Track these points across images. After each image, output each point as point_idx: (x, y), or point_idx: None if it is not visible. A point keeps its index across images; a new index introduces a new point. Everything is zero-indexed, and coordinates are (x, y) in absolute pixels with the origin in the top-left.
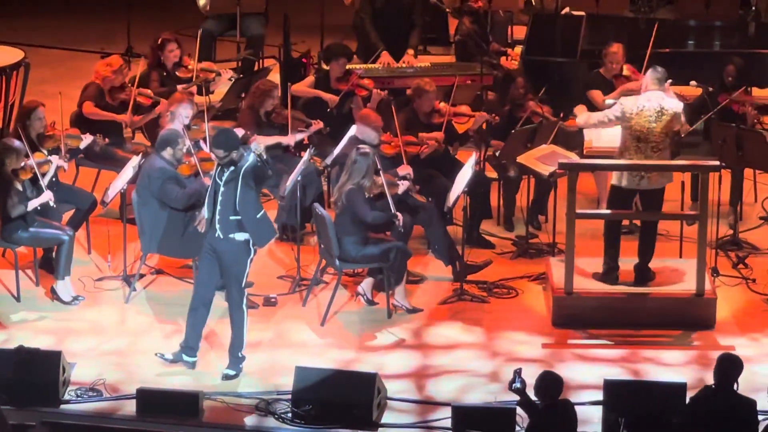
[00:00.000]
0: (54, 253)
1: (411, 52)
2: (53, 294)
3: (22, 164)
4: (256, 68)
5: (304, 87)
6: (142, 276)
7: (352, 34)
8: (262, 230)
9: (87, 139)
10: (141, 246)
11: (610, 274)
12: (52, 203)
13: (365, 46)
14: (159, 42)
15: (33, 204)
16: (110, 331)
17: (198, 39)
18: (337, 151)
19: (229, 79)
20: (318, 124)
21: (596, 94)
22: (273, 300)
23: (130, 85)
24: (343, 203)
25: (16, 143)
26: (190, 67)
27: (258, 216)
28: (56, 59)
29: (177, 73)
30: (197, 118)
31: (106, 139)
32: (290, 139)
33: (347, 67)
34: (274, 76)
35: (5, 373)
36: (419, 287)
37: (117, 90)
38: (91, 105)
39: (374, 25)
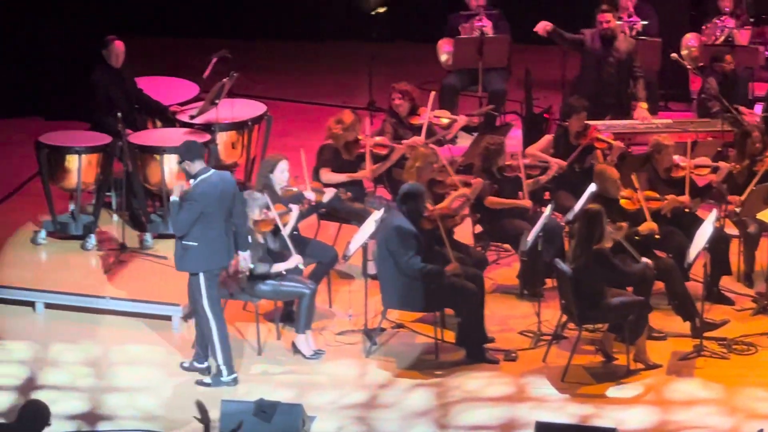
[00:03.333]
0: (295, 307)
1: (644, 105)
2: (294, 347)
3: (263, 216)
4: (497, 123)
5: (536, 150)
6: (382, 330)
7: None
8: (177, 253)
9: (329, 194)
10: (382, 300)
11: None
12: (301, 266)
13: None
14: (391, 93)
15: (279, 267)
16: (350, 385)
17: (439, 93)
18: (578, 207)
19: (467, 132)
20: (557, 164)
21: None
22: (514, 355)
23: (364, 135)
24: (584, 264)
25: (258, 195)
26: (422, 113)
27: (183, 240)
28: (298, 112)
29: (410, 120)
30: (442, 172)
31: (348, 194)
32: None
33: (586, 121)
34: (516, 132)
35: (246, 425)
36: (658, 343)
37: (352, 144)
38: (328, 171)
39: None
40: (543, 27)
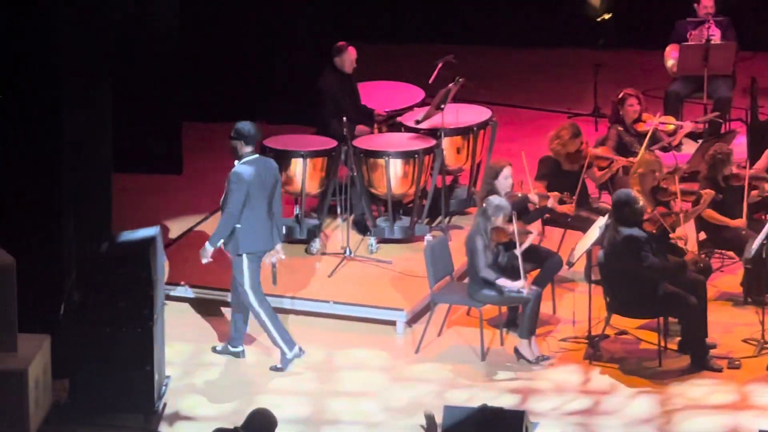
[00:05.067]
0: (519, 312)
1: None
2: (517, 353)
3: (504, 226)
4: (722, 131)
5: (761, 168)
6: (606, 336)
7: None
8: (219, 233)
9: (554, 199)
10: (606, 307)
11: None
12: (524, 292)
13: None
14: (620, 97)
15: (503, 283)
16: (573, 391)
17: (664, 100)
18: None
19: (692, 139)
20: None
21: None
22: (737, 363)
23: (586, 145)
24: None
25: (505, 203)
26: (648, 120)
27: (224, 220)
28: (523, 118)
29: (635, 127)
30: (666, 179)
31: (574, 198)
32: None
33: None
34: (740, 140)
35: (467, 431)
36: None
37: (574, 156)
38: (541, 186)
39: None
40: None
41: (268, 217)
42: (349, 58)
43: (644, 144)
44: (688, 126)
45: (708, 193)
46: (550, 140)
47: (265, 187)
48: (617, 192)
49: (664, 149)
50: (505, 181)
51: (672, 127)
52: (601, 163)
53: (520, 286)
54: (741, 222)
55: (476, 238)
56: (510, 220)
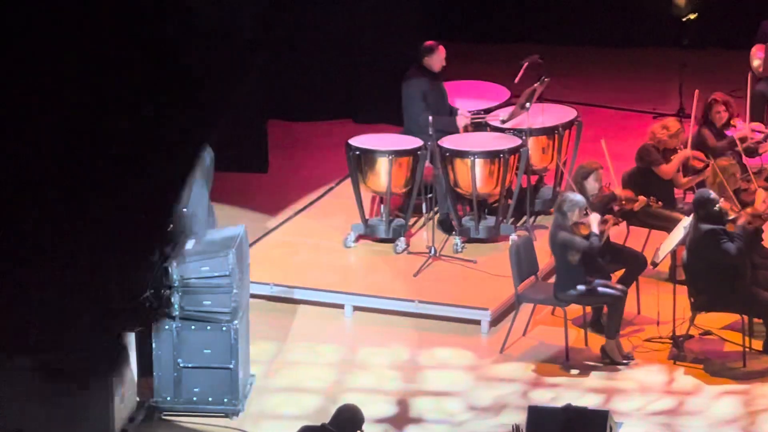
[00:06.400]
0: (603, 312)
1: None
2: (604, 353)
3: (583, 220)
4: None
5: None
6: (690, 337)
7: None
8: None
9: (641, 203)
10: (690, 306)
11: None
12: (596, 231)
13: None
14: (708, 102)
15: (591, 223)
16: (657, 391)
17: (748, 101)
18: None
19: None
20: None
21: None
22: None
23: (682, 146)
24: None
25: (579, 197)
26: (738, 126)
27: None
28: (608, 118)
29: (725, 131)
30: (744, 180)
31: (659, 203)
32: None
33: None
34: None
35: (553, 430)
36: None
37: (670, 153)
38: (665, 166)
39: None
40: None
41: (208, 203)
42: (439, 58)
43: (740, 149)
44: None
45: None
46: (654, 131)
47: (204, 172)
48: (698, 192)
49: (750, 152)
50: (594, 183)
51: (762, 134)
52: (696, 164)
53: (598, 219)
54: None
55: (560, 233)
56: (586, 214)
